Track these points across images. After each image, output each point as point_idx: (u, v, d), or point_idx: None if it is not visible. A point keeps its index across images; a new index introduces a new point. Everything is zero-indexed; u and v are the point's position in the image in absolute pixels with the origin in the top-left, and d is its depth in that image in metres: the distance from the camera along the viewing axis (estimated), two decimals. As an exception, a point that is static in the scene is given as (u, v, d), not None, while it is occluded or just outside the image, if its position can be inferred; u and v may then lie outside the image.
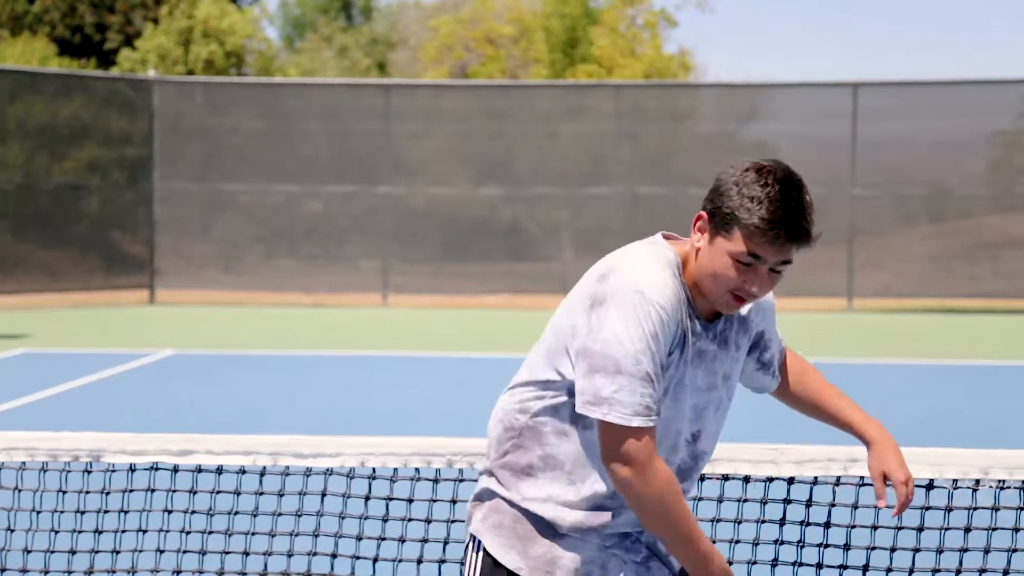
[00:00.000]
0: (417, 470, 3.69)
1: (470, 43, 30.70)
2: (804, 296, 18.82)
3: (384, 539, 3.78)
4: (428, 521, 3.78)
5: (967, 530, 3.63)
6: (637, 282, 2.45)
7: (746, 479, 3.60)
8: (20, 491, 3.79)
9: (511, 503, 2.58)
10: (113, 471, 3.77)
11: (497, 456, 2.62)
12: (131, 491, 3.83)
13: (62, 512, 3.81)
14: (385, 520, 3.76)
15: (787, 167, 2.49)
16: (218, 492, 3.79)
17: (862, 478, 3.57)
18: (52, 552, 3.84)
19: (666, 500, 2.46)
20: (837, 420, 2.86)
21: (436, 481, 3.74)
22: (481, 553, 2.60)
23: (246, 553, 3.80)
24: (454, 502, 3.78)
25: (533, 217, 19.64)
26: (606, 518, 2.55)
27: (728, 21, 66.48)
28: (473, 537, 2.62)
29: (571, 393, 2.52)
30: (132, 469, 3.74)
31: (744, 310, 2.64)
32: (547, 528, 2.56)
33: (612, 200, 19.00)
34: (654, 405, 2.45)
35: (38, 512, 3.83)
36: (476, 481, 3.72)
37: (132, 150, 19.49)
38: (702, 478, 3.57)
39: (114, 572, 3.83)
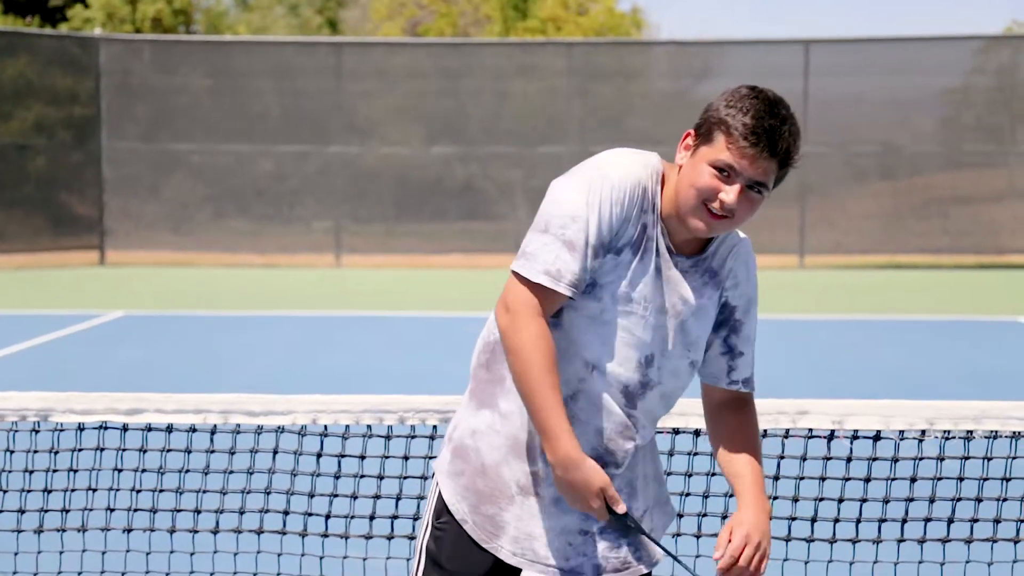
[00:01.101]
0: (369, 427, 3.69)
1: (421, 0, 30.45)
2: (756, 253, 18.91)
3: (336, 496, 3.78)
4: (380, 477, 3.79)
5: (913, 480, 3.69)
6: (600, 162, 2.50)
7: (696, 433, 3.63)
8: (-34, 451, 3.75)
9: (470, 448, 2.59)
10: (62, 431, 3.74)
11: (471, 376, 2.66)
12: (80, 450, 3.80)
13: (10, 472, 3.78)
14: (337, 477, 3.76)
15: (779, 95, 2.50)
16: (168, 451, 3.78)
17: (810, 430, 3.61)
18: (0, 511, 3.80)
19: (529, 355, 2.41)
20: (730, 475, 2.67)
21: (388, 438, 3.74)
22: (438, 492, 2.64)
23: (197, 511, 3.79)
24: (406, 458, 3.79)
25: (487, 176, 19.59)
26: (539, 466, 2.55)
27: (681, -21, 66.32)
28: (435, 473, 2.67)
29: None
30: (81, 428, 3.71)
31: (716, 263, 2.59)
32: (502, 489, 2.57)
33: (565, 159, 19.00)
34: (570, 275, 2.44)
35: (-15, 472, 3.79)
36: (429, 438, 3.73)
37: (79, 109, 19.21)
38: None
39: (64, 531, 3.80)
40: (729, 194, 2.44)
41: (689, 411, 3.55)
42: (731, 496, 3.73)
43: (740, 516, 2.56)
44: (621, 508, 2.50)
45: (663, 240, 2.54)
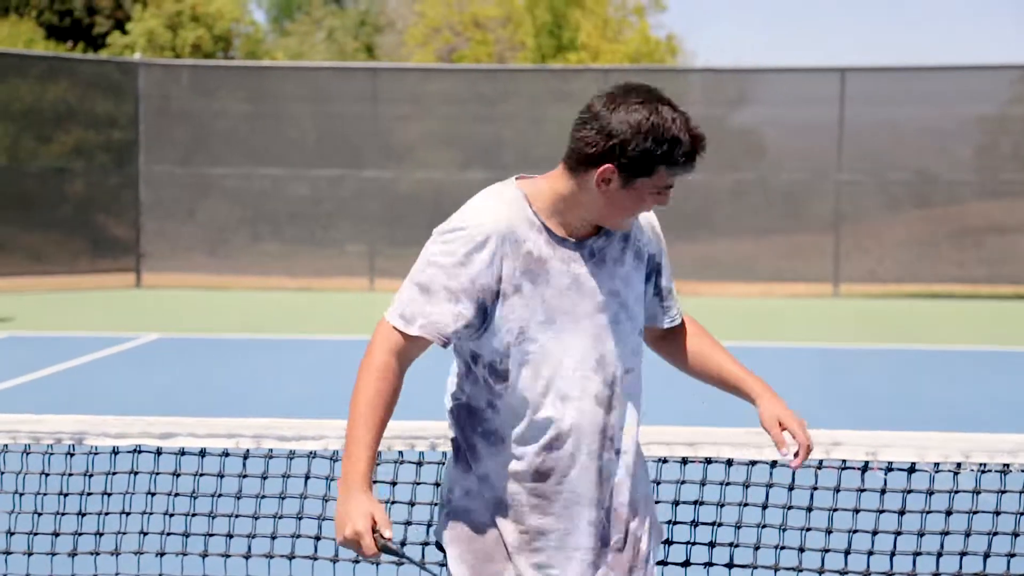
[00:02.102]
0: (400, 453, 3.69)
1: (457, 26, 30.62)
2: (790, 282, 18.86)
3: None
4: (412, 504, 3.78)
5: (948, 513, 3.65)
6: (459, 215, 2.57)
7: (728, 462, 3.61)
8: (2, 473, 3.78)
9: None
10: (96, 454, 3.76)
11: (451, 440, 2.84)
12: (114, 474, 3.82)
13: (45, 494, 3.80)
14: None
15: (651, 88, 2.60)
16: (201, 475, 3.79)
17: (844, 461, 3.58)
18: (35, 534, 3.83)
19: (362, 389, 2.48)
20: (723, 379, 2.80)
21: (420, 464, 3.74)
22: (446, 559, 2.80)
23: (229, 535, 3.80)
24: (437, 485, 3.78)
25: (520, 202, 19.60)
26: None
27: (717, 6, 66.41)
28: None
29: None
30: (115, 452, 3.73)
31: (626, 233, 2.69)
32: (498, 550, 2.64)
33: (599, 185, 19.00)
34: (427, 320, 2.49)
35: (20, 494, 3.82)
36: (438, 464, 3.73)
37: (118, 133, 19.41)
38: (684, 460, 3.58)
39: (97, 554, 3.82)
40: (664, 199, 2.59)
41: (721, 440, 3.53)
42: (763, 526, 3.71)
43: (771, 407, 2.68)
44: (388, 533, 2.41)
45: (563, 248, 2.57)
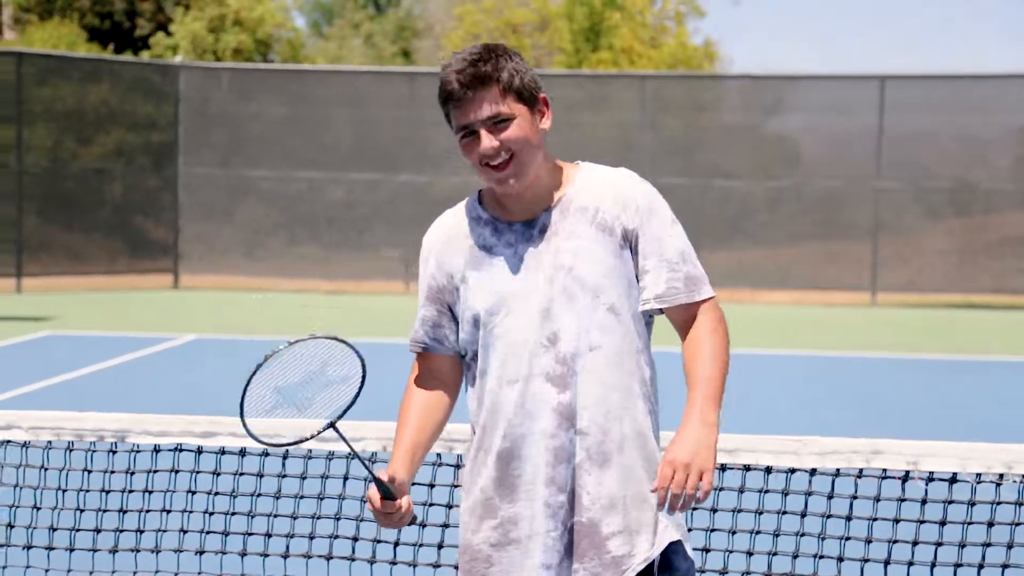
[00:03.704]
0: (439, 455, 3.70)
1: (494, 32, 30.67)
2: (827, 290, 18.75)
3: (363, 520, 3.78)
4: (449, 507, 3.79)
5: (990, 524, 3.62)
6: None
7: (768, 470, 3.60)
8: (46, 470, 3.82)
9: None
10: (138, 451, 3.80)
11: None
12: (155, 472, 3.85)
13: (87, 491, 3.84)
14: (363, 500, 3.76)
15: (475, 45, 2.58)
16: (241, 474, 3.82)
17: (884, 471, 3.56)
18: (77, 530, 3.87)
19: (400, 410, 2.77)
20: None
21: (458, 467, 3.75)
22: None
23: (268, 535, 3.83)
24: (431, 486, 3.78)
25: (556, 207, 19.62)
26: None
27: (756, 12, 66.17)
28: None
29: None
30: (156, 450, 3.76)
31: (586, 199, 2.59)
32: (479, 559, 2.67)
33: (635, 191, 18.98)
34: (422, 337, 2.73)
35: (64, 491, 3.86)
36: (452, 467, 3.74)
37: (157, 135, 19.57)
38: (723, 467, 3.57)
39: (138, 551, 3.86)
40: (485, 147, 2.52)
41: (759, 448, 3.52)
42: (802, 535, 3.69)
43: (670, 445, 2.49)
44: (384, 476, 2.60)
45: (508, 232, 2.59)
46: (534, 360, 2.55)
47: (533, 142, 2.55)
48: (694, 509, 2.55)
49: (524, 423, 2.57)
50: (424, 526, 3.80)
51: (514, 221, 2.61)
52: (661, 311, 2.64)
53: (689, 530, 2.85)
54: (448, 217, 2.73)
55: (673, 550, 2.62)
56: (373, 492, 2.60)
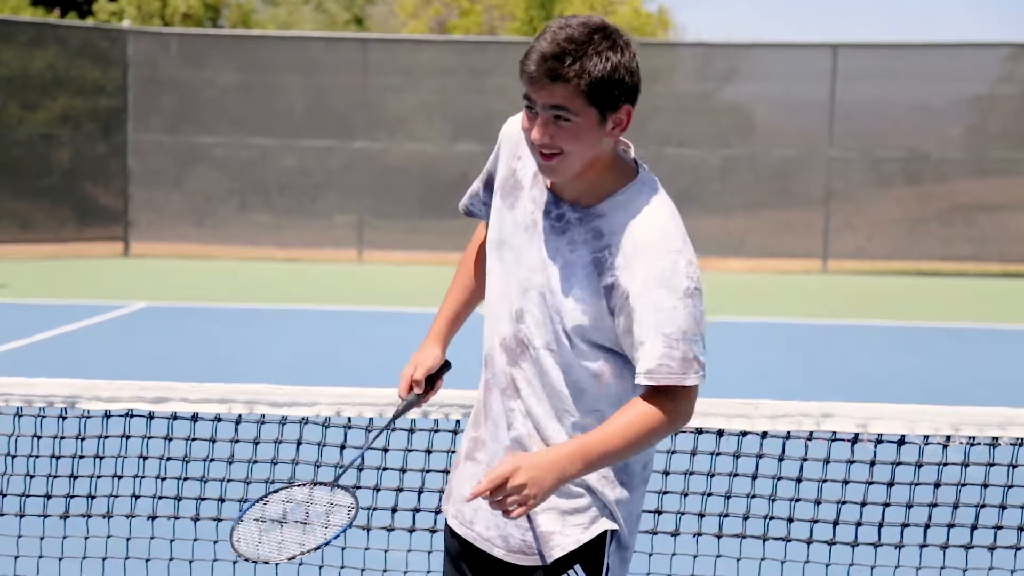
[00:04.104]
0: (436, 422, 3.70)
1: (448, -2, 30.46)
2: (779, 257, 18.89)
3: (359, 487, 3.79)
4: (403, 470, 3.80)
5: (937, 485, 3.68)
6: None
7: (719, 433, 3.63)
8: (-6, 436, 3.78)
9: None
10: (88, 417, 3.77)
11: None
12: (106, 437, 3.83)
13: (37, 457, 3.81)
14: (360, 469, 3.77)
15: (585, 20, 2.38)
16: (193, 439, 3.80)
17: (834, 433, 3.60)
18: (27, 496, 3.84)
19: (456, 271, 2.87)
20: None
21: (411, 431, 3.75)
22: None
23: (221, 500, 3.81)
24: (429, 452, 3.80)
25: (510, 174, 19.57)
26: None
27: (708, -19, 66.14)
28: None
29: None
30: (107, 415, 3.73)
31: (606, 226, 2.43)
32: (457, 458, 2.73)
33: (589, 159, 18.97)
34: (465, 200, 2.81)
35: (13, 457, 3.82)
36: (452, 432, 3.75)
37: (105, 101, 19.30)
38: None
39: (89, 516, 3.83)
40: (536, 130, 2.39)
41: (711, 411, 3.54)
42: (753, 496, 3.73)
43: (529, 453, 2.41)
44: (404, 392, 2.77)
45: (539, 186, 2.51)
46: (502, 321, 2.55)
47: (588, 148, 2.38)
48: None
49: (493, 367, 2.58)
50: (378, 490, 3.81)
51: (550, 187, 2.51)
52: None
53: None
54: (523, 124, 2.50)
55: (602, 540, 2.54)
56: (402, 388, 2.79)
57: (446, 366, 2.82)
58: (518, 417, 2.53)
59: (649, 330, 2.37)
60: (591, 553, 2.52)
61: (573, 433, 2.48)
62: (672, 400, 2.41)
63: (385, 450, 3.80)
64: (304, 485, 2.62)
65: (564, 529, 2.50)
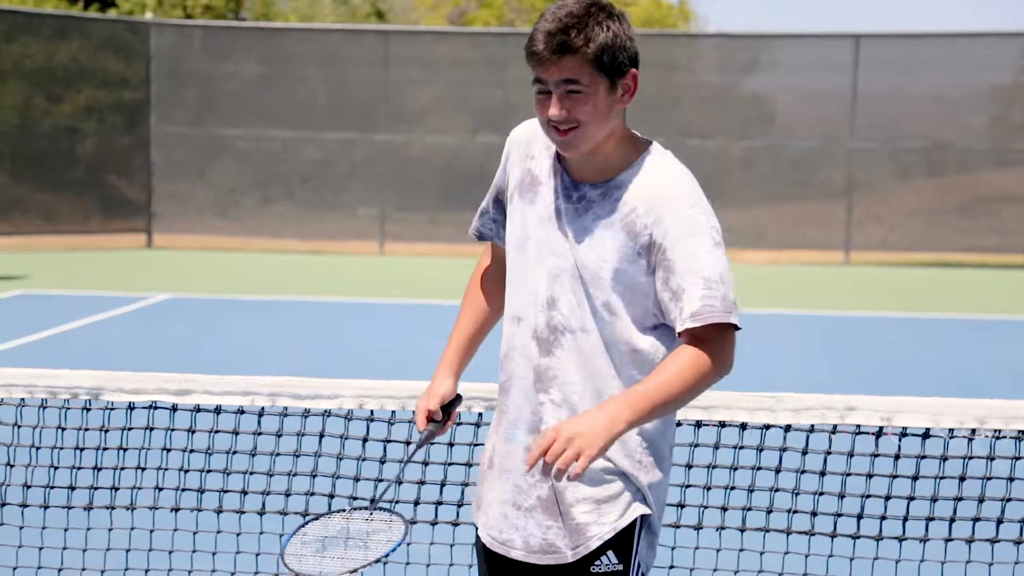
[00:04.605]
0: (393, 412, 3.70)
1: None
2: (801, 249, 18.82)
3: (381, 480, 3.79)
4: (425, 463, 3.80)
5: (962, 479, 3.65)
6: None
7: (743, 426, 3.62)
8: (19, 427, 3.80)
9: None
10: (112, 409, 3.78)
11: None
12: (130, 429, 3.84)
13: (61, 448, 3.82)
14: (382, 462, 3.78)
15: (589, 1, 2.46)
16: (216, 432, 3.81)
17: (858, 426, 3.58)
18: (51, 488, 3.86)
19: (464, 295, 2.85)
20: None
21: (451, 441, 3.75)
22: None
23: (244, 492, 3.82)
24: (451, 445, 3.80)
25: (531, 166, 19.55)
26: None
27: (730, -28, 65.83)
28: None
29: None
30: (131, 407, 3.75)
31: (628, 194, 2.49)
32: (483, 465, 2.75)
33: (610, 150, 18.93)
34: (476, 224, 2.80)
35: (37, 448, 3.84)
36: (474, 425, 3.74)
37: (129, 93, 19.37)
38: (698, 424, 3.58)
39: (113, 508, 3.85)
40: (553, 108, 2.46)
41: (735, 404, 3.53)
42: (776, 490, 3.71)
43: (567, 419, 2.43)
44: (421, 426, 2.76)
45: (557, 176, 2.56)
46: (532, 312, 2.56)
47: (604, 116, 2.46)
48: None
49: (514, 366, 2.60)
50: (400, 483, 3.81)
51: (567, 172, 2.57)
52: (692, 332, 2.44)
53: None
54: (532, 125, 2.66)
55: (632, 526, 2.55)
56: (419, 421, 2.77)
57: (457, 399, 2.82)
58: (548, 409, 2.54)
59: (688, 276, 2.43)
60: (622, 539, 2.54)
61: None
62: (716, 345, 2.44)
63: (407, 443, 3.80)
64: (352, 511, 2.65)
65: (600, 519, 2.53)
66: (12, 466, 3.87)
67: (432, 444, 3.79)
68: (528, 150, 2.63)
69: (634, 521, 2.54)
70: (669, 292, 2.45)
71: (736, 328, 2.47)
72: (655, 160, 2.54)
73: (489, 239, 2.79)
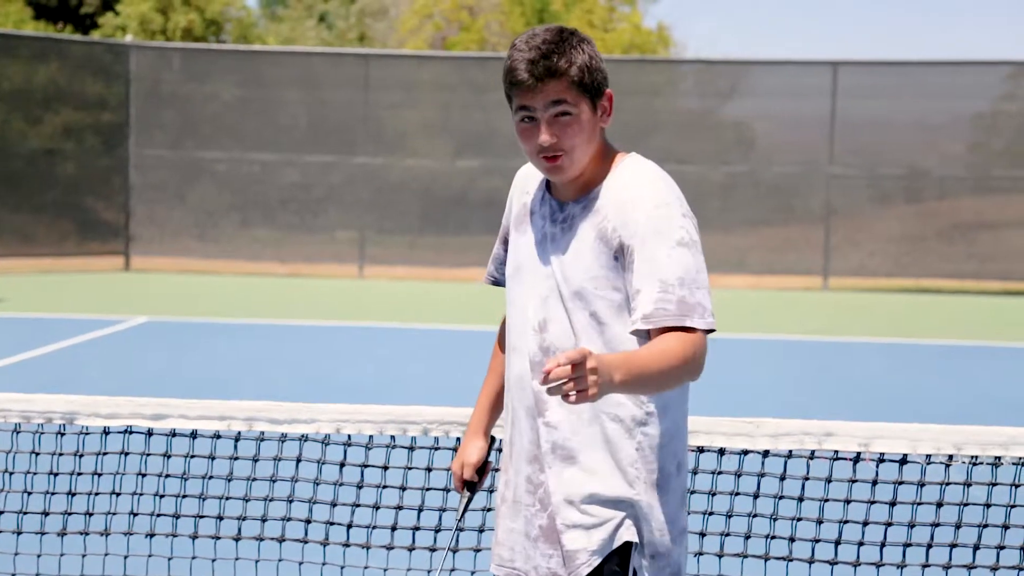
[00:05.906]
0: (392, 438, 3.69)
1: (447, 13, 30.53)
2: (780, 274, 18.88)
3: (358, 505, 3.77)
4: (403, 488, 3.78)
5: (939, 505, 3.65)
6: None
7: (721, 451, 3.61)
8: (-8, 452, 3.76)
9: None
10: (87, 434, 3.75)
11: None
12: (104, 454, 3.81)
13: (35, 474, 3.79)
14: (360, 487, 3.76)
15: (545, 27, 2.55)
16: (192, 456, 3.78)
17: (836, 452, 3.58)
18: (24, 513, 3.82)
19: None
20: None
21: (411, 449, 3.74)
22: None
23: (220, 517, 3.79)
24: (429, 470, 3.78)
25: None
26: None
27: (709, -2, 66.41)
28: None
29: None
30: (106, 432, 3.72)
31: (602, 201, 2.51)
32: (496, 501, 2.80)
33: (590, 175, 18.97)
34: (491, 270, 2.82)
35: (10, 473, 3.80)
36: (450, 450, 3.73)
37: (108, 116, 19.32)
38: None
39: (87, 534, 3.81)
40: (544, 134, 2.50)
41: (713, 429, 3.53)
42: (755, 516, 3.71)
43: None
44: (461, 487, 2.85)
45: (549, 205, 2.61)
46: (525, 338, 2.59)
47: (589, 138, 2.53)
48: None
49: (517, 396, 2.62)
50: (378, 508, 3.79)
51: (555, 197, 2.63)
52: (647, 334, 2.46)
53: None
54: (529, 167, 2.75)
55: (628, 550, 2.54)
56: (456, 485, 2.87)
57: (487, 465, 2.90)
58: (543, 433, 2.56)
59: (645, 278, 2.44)
60: (618, 565, 2.54)
61: (609, 424, 2.51)
62: (682, 345, 2.40)
63: (385, 468, 3.78)
64: None
65: (589, 545, 2.53)
66: (-15, 491, 3.82)
67: (411, 469, 3.78)
68: (525, 186, 2.72)
69: (627, 546, 2.52)
70: (633, 293, 2.47)
71: (706, 332, 2.43)
72: (628, 164, 2.60)
73: (503, 284, 2.80)
